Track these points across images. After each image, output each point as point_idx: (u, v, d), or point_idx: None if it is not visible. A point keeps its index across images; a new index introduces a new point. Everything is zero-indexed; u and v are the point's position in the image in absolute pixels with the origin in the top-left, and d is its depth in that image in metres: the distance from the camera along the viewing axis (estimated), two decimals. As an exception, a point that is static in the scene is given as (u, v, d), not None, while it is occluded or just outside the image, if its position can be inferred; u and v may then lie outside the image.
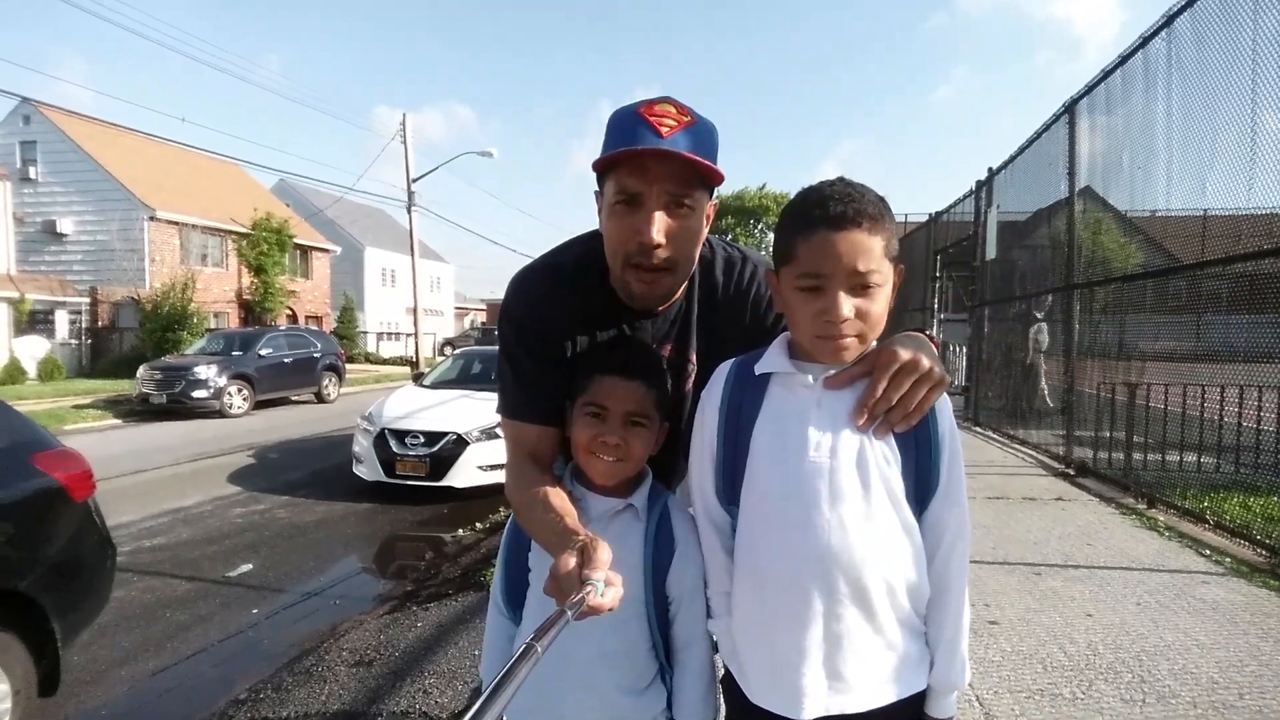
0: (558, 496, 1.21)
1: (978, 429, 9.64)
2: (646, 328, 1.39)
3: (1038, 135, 7.92)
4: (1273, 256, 4.24)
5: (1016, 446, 8.24)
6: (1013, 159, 8.87)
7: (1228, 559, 4.22)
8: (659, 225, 1.20)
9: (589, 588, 0.90)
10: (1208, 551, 4.36)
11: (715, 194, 1.31)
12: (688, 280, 1.38)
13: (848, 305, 1.03)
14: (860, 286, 1.04)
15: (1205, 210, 5.36)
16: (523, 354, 1.36)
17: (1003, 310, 9.74)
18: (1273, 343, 4.48)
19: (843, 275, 1.03)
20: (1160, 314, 6.81)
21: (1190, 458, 6.13)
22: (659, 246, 1.21)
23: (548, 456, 1.37)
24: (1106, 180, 6.70)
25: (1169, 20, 5.22)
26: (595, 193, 1.31)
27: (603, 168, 1.25)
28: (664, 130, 1.18)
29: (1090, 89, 6.57)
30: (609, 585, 0.92)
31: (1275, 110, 4.11)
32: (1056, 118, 7.31)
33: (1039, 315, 8.41)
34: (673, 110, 1.20)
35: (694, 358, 1.42)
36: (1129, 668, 2.88)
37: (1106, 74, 6.21)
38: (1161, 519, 5.11)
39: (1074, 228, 6.90)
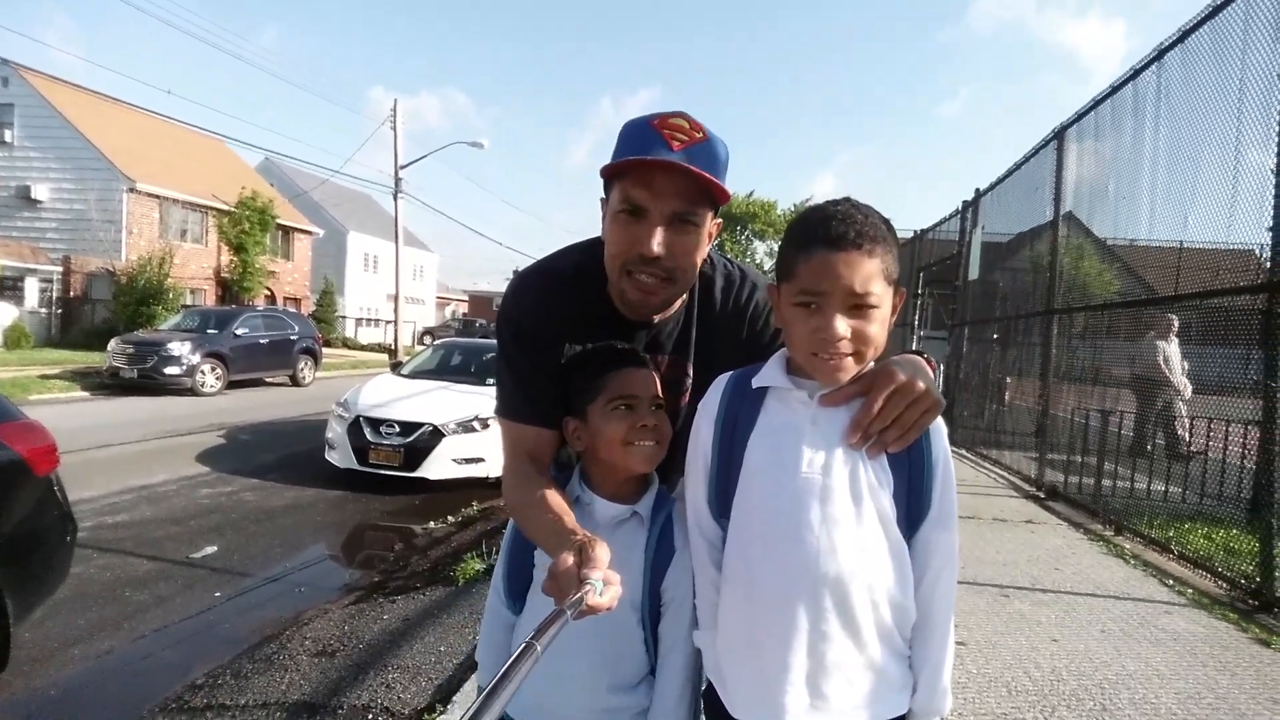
0: (555, 497, 1.22)
1: (952, 448, 9.72)
2: (641, 338, 1.39)
3: (1026, 159, 8.00)
4: (1249, 293, 4.30)
5: (989, 466, 8.33)
6: (1000, 181, 8.96)
7: (1190, 590, 4.28)
8: (660, 239, 1.20)
9: (588, 587, 0.90)
10: (1171, 581, 4.42)
11: (719, 212, 1.31)
12: (687, 295, 1.39)
13: (843, 325, 1.03)
14: (856, 307, 1.04)
15: (1182, 242, 5.45)
16: (520, 356, 1.37)
17: (982, 330, 9.84)
18: (1239, 377, 4.55)
19: (839, 295, 1.03)
20: (1134, 341, 6.93)
21: (1158, 486, 6.23)
22: (658, 259, 1.21)
23: (545, 458, 1.37)
24: (1091, 207, 6.80)
25: (1160, 54, 5.30)
26: (601, 199, 1.31)
27: (610, 175, 1.25)
28: (675, 144, 1.18)
29: (1080, 116, 6.65)
30: (607, 584, 0.93)
31: (1259, 148, 4.18)
32: (1045, 143, 7.40)
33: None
34: (685, 125, 1.20)
35: (691, 373, 1.43)
36: (1091, 695, 2.91)
37: (1097, 103, 6.29)
38: (1128, 546, 5.17)
39: (1057, 253, 6.98)
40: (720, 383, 1.22)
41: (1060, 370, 7.25)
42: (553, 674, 1.24)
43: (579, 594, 0.89)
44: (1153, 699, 2.90)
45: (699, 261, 1.31)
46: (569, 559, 0.97)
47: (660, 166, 1.17)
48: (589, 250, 1.39)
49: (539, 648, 0.74)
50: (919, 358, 1.18)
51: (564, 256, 1.43)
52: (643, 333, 1.39)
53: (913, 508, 1.10)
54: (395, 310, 24.72)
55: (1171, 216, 5.19)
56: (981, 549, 4.87)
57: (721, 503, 1.17)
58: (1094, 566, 4.67)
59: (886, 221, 1.08)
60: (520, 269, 1.48)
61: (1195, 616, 3.86)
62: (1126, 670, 3.14)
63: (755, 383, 1.16)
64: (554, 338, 1.36)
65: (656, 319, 1.38)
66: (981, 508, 6.16)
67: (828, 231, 1.04)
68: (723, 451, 1.16)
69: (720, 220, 1.34)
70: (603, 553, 0.97)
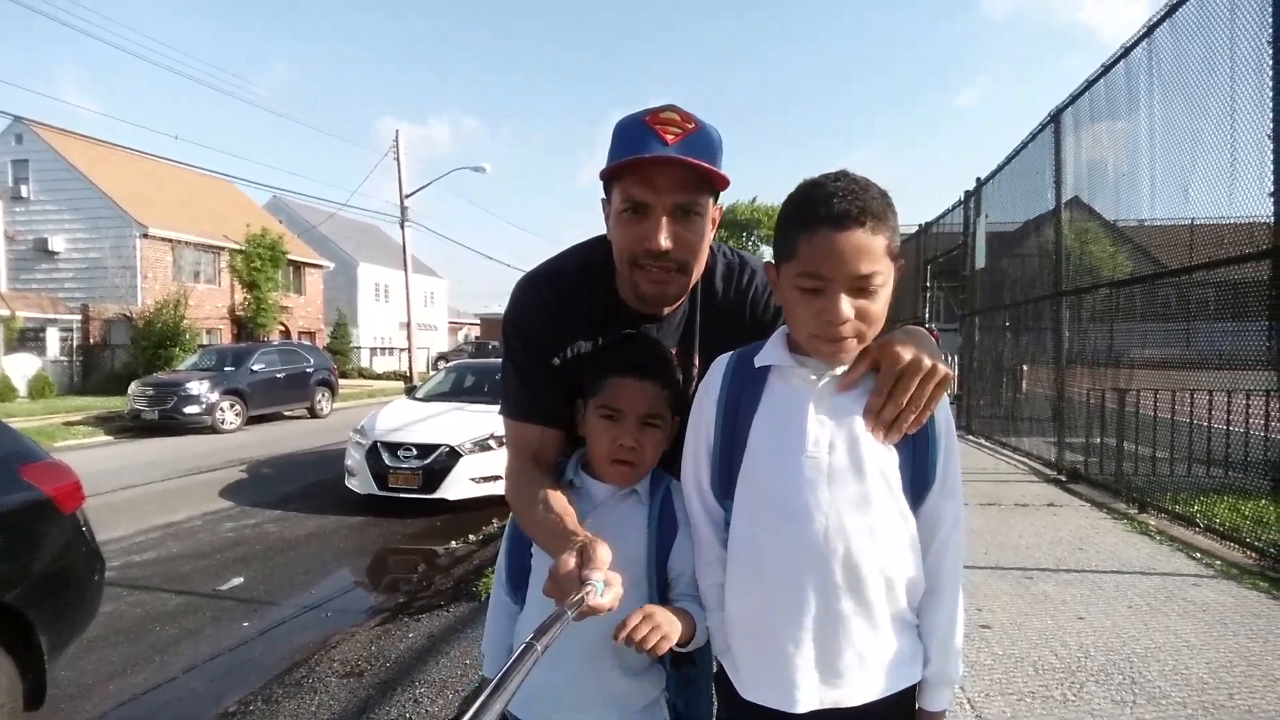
0: (558, 498, 1.21)
1: (970, 437, 9.66)
2: (651, 332, 1.40)
3: (1024, 145, 8.00)
4: (1254, 260, 4.28)
5: (1008, 454, 8.27)
6: (1000, 169, 8.95)
7: (1218, 561, 4.24)
8: (667, 232, 1.22)
9: (588, 588, 0.91)
10: (1198, 554, 4.38)
11: (720, 198, 1.32)
12: (691, 286, 1.39)
13: (848, 307, 1.01)
14: (861, 288, 1.02)
15: (1193, 220, 5.41)
16: (524, 356, 1.38)
17: (993, 319, 9.80)
18: (1256, 348, 4.53)
19: (844, 278, 1.01)
20: (1149, 322, 6.87)
21: (1181, 462, 6.17)
22: (667, 252, 1.23)
23: (549, 458, 1.38)
24: (1093, 189, 6.78)
25: (1149, 30, 5.31)
26: (602, 200, 1.32)
27: (610, 177, 1.26)
28: (669, 138, 1.19)
29: (1075, 98, 6.65)
30: (608, 585, 0.93)
31: (1253, 115, 4.17)
32: (1043, 127, 7.39)
33: None
34: (677, 117, 1.22)
35: (698, 362, 1.43)
36: (1120, 669, 2.88)
37: (1090, 83, 6.29)
38: (1153, 523, 5.13)
39: (1061, 236, 6.96)
40: (721, 362, 1.21)
41: (1073, 353, 7.19)
42: (555, 657, 1.22)
43: (580, 594, 0.89)
44: (1183, 670, 2.87)
45: (706, 249, 1.33)
46: (570, 560, 0.97)
47: (658, 162, 1.18)
48: (593, 248, 1.41)
49: (539, 648, 0.75)
50: (921, 328, 1.17)
51: (568, 256, 1.44)
52: (651, 326, 1.39)
53: (918, 478, 1.09)
54: (409, 337, 24.91)
55: (1173, 192, 5.18)
56: (1004, 534, 4.84)
57: (724, 483, 1.15)
58: (1118, 544, 4.63)
59: (885, 193, 1.05)
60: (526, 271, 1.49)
61: (1224, 587, 3.82)
62: (1155, 643, 3.12)
63: (758, 361, 1.14)
64: (559, 338, 1.37)
65: (666, 311, 1.39)
66: (1002, 494, 6.12)
67: (830, 209, 1.00)
68: (726, 432, 1.15)
69: (722, 206, 1.35)
70: (604, 553, 0.97)
